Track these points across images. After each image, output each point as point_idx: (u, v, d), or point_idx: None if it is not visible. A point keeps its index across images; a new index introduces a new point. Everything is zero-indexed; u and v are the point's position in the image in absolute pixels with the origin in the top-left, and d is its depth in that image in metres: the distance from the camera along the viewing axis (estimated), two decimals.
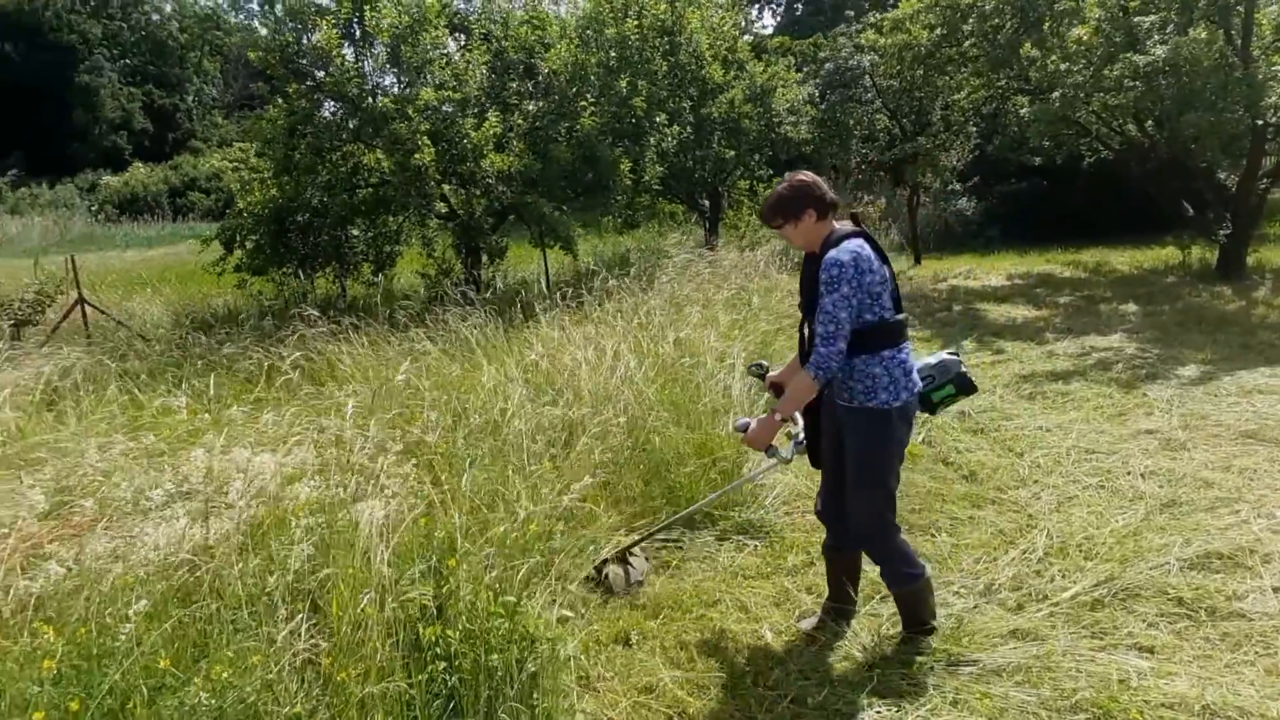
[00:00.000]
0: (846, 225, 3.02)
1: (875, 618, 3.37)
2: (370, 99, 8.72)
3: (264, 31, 10.53)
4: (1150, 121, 10.44)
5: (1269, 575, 3.51)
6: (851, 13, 14.56)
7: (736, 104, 11.63)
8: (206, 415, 5.04)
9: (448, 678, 2.71)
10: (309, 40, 8.81)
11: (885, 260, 3.02)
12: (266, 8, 9.46)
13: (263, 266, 10.64)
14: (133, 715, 2.33)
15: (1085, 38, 9.29)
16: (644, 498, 4.39)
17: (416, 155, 8.08)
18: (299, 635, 2.61)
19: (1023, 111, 10.82)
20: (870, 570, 3.51)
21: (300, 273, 10.78)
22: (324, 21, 8.47)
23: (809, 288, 3.05)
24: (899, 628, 3.20)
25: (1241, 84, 8.68)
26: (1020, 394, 6.41)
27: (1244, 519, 4.02)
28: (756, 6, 34.58)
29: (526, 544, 3.23)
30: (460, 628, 2.76)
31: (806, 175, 3.03)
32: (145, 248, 26.94)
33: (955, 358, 3.26)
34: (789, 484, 4.71)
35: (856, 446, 3.03)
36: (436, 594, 2.88)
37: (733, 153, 11.74)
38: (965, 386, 3.25)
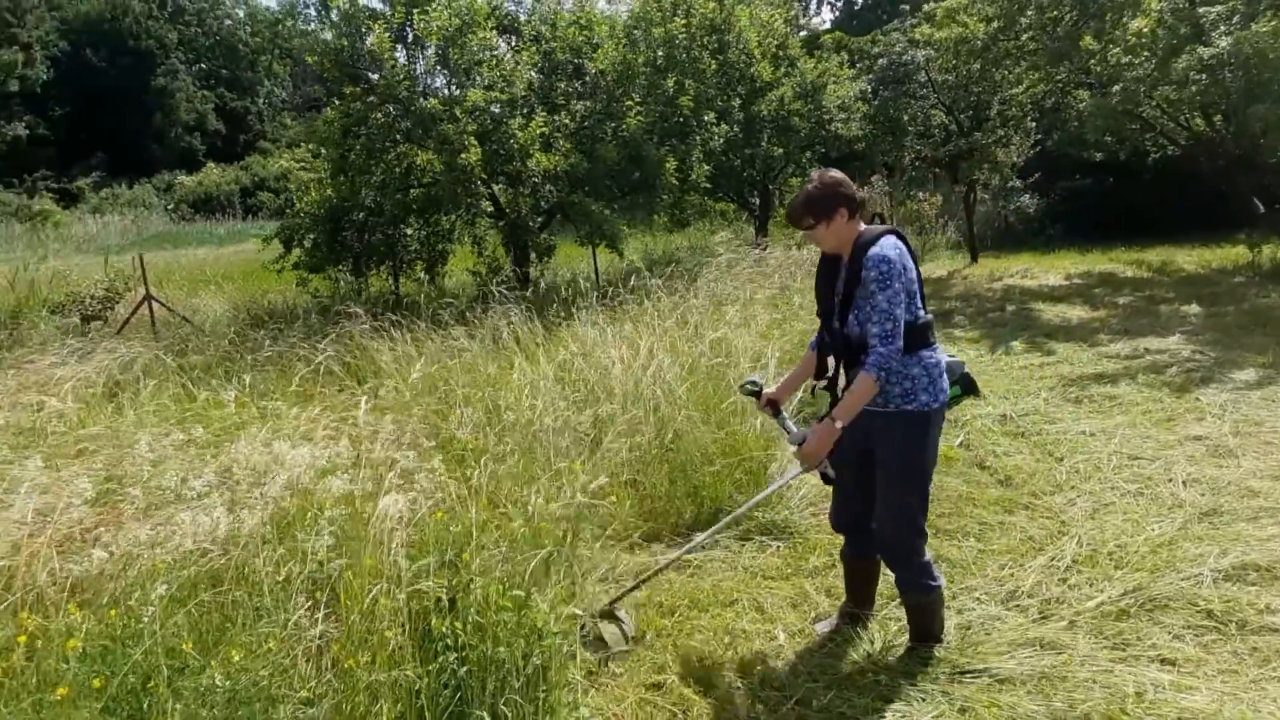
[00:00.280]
0: (880, 225, 2.98)
1: (890, 623, 3.34)
2: (420, 101, 8.91)
3: (328, 35, 10.81)
4: (1218, 116, 10.04)
5: None
6: (907, 6, 14.27)
7: (786, 101, 11.55)
8: (253, 408, 5.23)
9: (457, 669, 2.79)
10: (363, 44, 9.04)
11: (915, 258, 2.98)
12: (323, 13, 9.72)
13: (319, 264, 10.94)
14: (153, 694, 2.45)
15: (1146, 30, 8.97)
16: (668, 496, 4.42)
17: (463, 155, 8.24)
18: (314, 622, 2.72)
19: (1081, 106, 10.50)
20: (888, 574, 3.49)
21: (355, 271, 11.07)
22: (376, 26, 8.69)
23: (829, 290, 3.02)
24: (907, 635, 3.17)
25: None
26: (1066, 397, 6.25)
27: None
28: (815, 0, 34.19)
29: (539, 539, 3.29)
30: (470, 620, 2.84)
31: (836, 173, 2.95)
32: (217, 245, 27.94)
33: (958, 360, 3.21)
34: (816, 484, 4.68)
35: (894, 453, 2.92)
36: (450, 587, 2.96)
37: (781, 151, 11.66)
38: (970, 388, 3.20)
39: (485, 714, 2.64)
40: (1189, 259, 12.11)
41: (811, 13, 32.26)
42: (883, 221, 3.05)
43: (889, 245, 2.84)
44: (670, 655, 3.24)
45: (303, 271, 11.06)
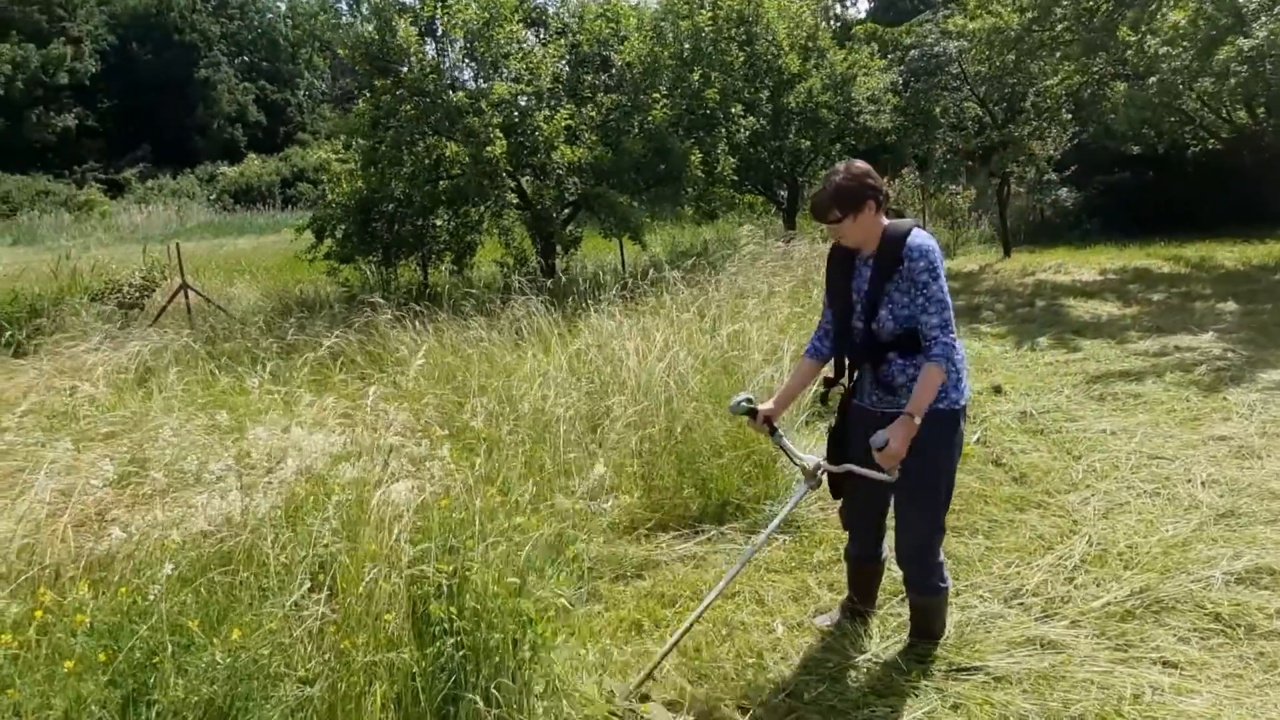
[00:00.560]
0: (905, 219, 2.92)
1: (891, 619, 3.33)
2: (446, 94, 8.99)
3: (367, 27, 10.90)
4: (1261, 109, 9.78)
5: None
6: None
7: (814, 94, 11.45)
8: (276, 395, 5.34)
9: (454, 653, 2.84)
10: (393, 38, 9.14)
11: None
12: (355, 6, 9.84)
13: (349, 255, 11.09)
14: (158, 669, 2.53)
15: (1183, 24, 8.75)
16: (676, 488, 4.44)
17: (488, 148, 8.30)
18: (316, 603, 2.78)
19: (1116, 98, 10.28)
20: (892, 571, 3.48)
21: (384, 261, 11.21)
22: (403, 20, 8.78)
23: (846, 288, 2.90)
24: (907, 632, 3.16)
25: None
26: (1089, 394, 6.15)
27: None
28: None
29: (538, 527, 3.33)
30: (466, 605, 2.88)
31: (863, 164, 2.83)
32: (256, 236, 28.42)
33: None
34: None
35: (922, 453, 2.75)
36: (449, 572, 3.01)
37: (809, 143, 11.57)
38: None
39: (478, 697, 2.68)
40: (1229, 255, 11.81)
41: (849, 2, 31.88)
42: (899, 216, 2.99)
43: (926, 235, 2.79)
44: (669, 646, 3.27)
45: (333, 262, 11.23)
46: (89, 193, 37.48)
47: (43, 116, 40.04)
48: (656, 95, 9.29)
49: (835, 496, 3.13)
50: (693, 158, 9.16)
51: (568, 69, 9.88)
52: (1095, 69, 10.92)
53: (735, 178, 10.87)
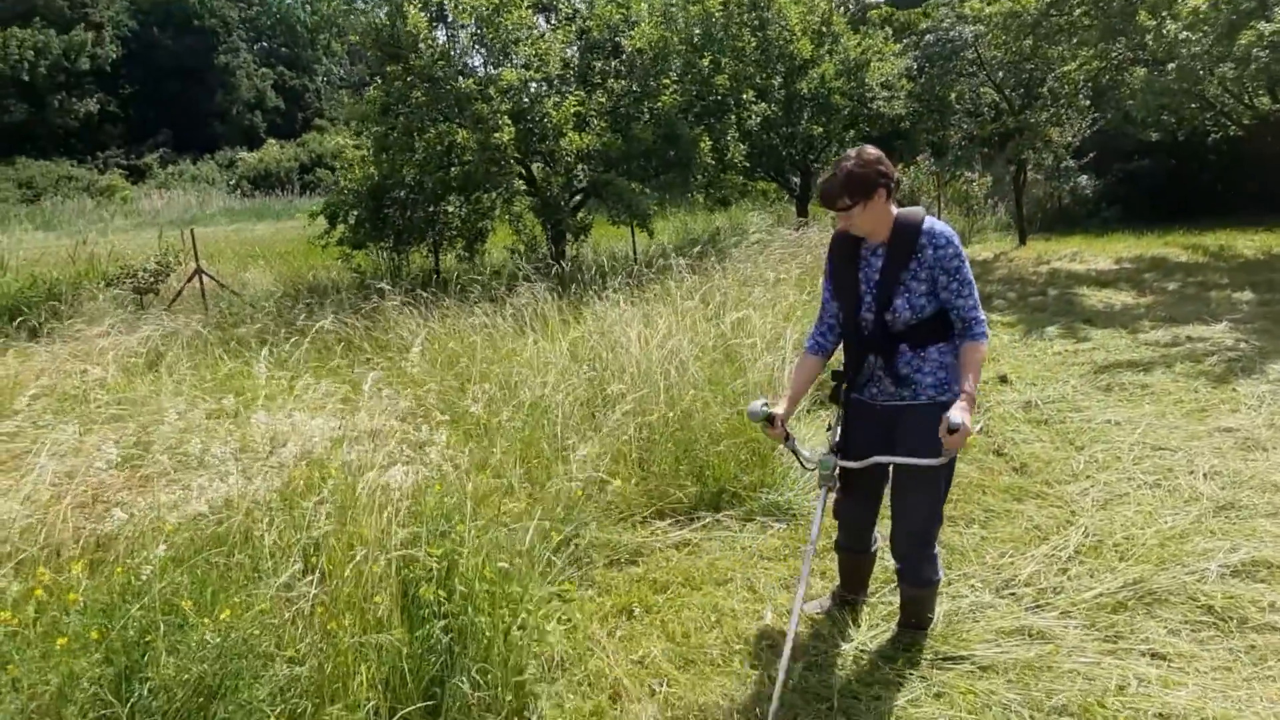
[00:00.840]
0: (915, 207, 2.88)
1: (881, 607, 3.34)
2: (455, 81, 8.99)
3: (378, 13, 10.87)
4: None
5: None
6: None
7: (827, 79, 11.35)
8: (279, 380, 5.40)
9: (443, 636, 2.87)
10: (403, 24, 9.14)
11: None
12: None
13: (361, 241, 11.14)
14: (151, 648, 2.58)
15: (1203, 8, 8.59)
16: (672, 475, 4.45)
17: (496, 134, 8.30)
18: (309, 584, 2.82)
19: (1134, 84, 10.12)
20: (884, 559, 3.49)
21: (396, 247, 11.25)
22: (412, 6, 8.78)
23: (854, 278, 2.83)
24: (895, 621, 3.17)
25: None
26: (1096, 385, 6.10)
27: None
28: None
29: (527, 513, 3.36)
30: (456, 589, 2.92)
31: (875, 150, 2.74)
32: (275, 221, 28.61)
33: None
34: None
35: (930, 442, 2.65)
36: (440, 556, 3.04)
37: (821, 129, 11.49)
38: None
39: (464, 681, 2.72)
40: (1250, 244, 11.63)
41: None
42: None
43: (939, 221, 2.77)
44: (658, 632, 3.29)
45: (346, 248, 11.28)
46: (111, 178, 37.85)
47: (65, 102, 40.40)
48: (666, 81, 9.24)
49: (846, 492, 3.05)
50: (702, 144, 9.11)
51: (578, 55, 9.84)
52: (1114, 54, 10.75)
53: (747, 165, 10.80)
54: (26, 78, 38.37)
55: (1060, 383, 6.19)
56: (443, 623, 2.87)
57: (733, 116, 9.86)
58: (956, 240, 2.74)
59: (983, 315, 2.75)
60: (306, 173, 39.68)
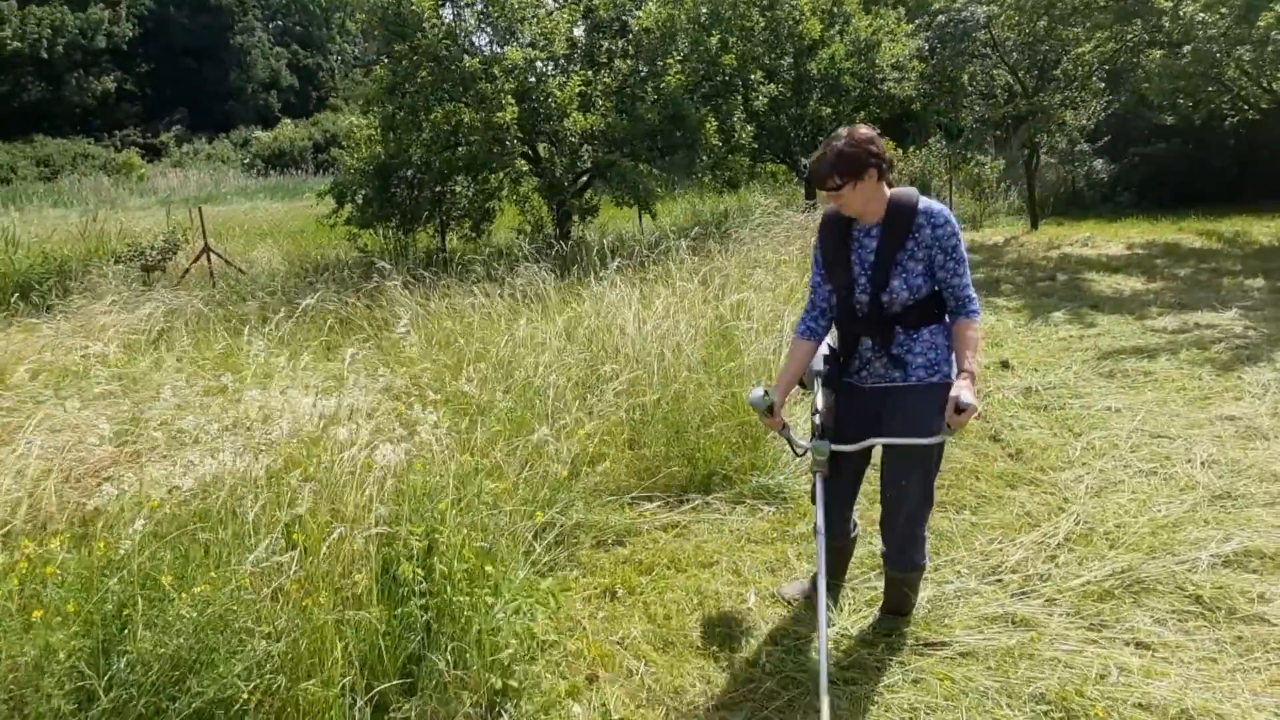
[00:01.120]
0: (909, 186, 2.86)
1: (865, 590, 3.32)
2: (460, 60, 8.93)
3: None
4: None
5: None
6: None
7: (837, 60, 11.21)
8: (277, 357, 5.41)
9: (422, 615, 2.88)
10: (408, 3, 9.09)
11: None
12: None
13: (369, 220, 11.14)
14: (129, 621, 2.60)
15: None
16: (663, 457, 4.44)
17: (499, 114, 8.25)
18: (291, 560, 2.82)
19: (1150, 66, 9.94)
20: (870, 544, 3.47)
21: (402, 227, 11.24)
22: None
23: (846, 259, 2.79)
24: (877, 607, 3.15)
25: None
26: (1098, 371, 6.02)
27: None
28: None
29: (510, 493, 3.35)
30: (434, 568, 2.92)
31: (867, 130, 2.72)
32: (289, 200, 28.67)
33: None
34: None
35: (920, 424, 2.69)
36: (420, 534, 3.04)
37: (830, 111, 11.36)
38: None
39: (440, 660, 2.72)
40: (1266, 230, 11.45)
41: None
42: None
43: (933, 200, 2.74)
44: (640, 613, 3.29)
45: (353, 227, 11.28)
46: (127, 156, 38.05)
47: (82, 80, 40.58)
48: (671, 61, 9.15)
49: (834, 476, 2.97)
50: (708, 125, 9.03)
51: (584, 34, 9.76)
52: (1130, 36, 10.55)
53: (754, 146, 10.70)
54: (45, 55, 38.55)
55: (1062, 369, 6.13)
56: (421, 601, 2.88)
57: (739, 97, 9.75)
58: (954, 219, 2.71)
59: (975, 294, 2.73)
60: (321, 152, 39.72)
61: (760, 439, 4.52)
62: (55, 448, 3.73)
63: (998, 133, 13.00)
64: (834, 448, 2.83)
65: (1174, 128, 13.30)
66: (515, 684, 2.78)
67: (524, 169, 9.42)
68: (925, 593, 3.24)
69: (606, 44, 9.93)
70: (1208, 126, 12.52)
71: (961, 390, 2.54)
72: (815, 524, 2.82)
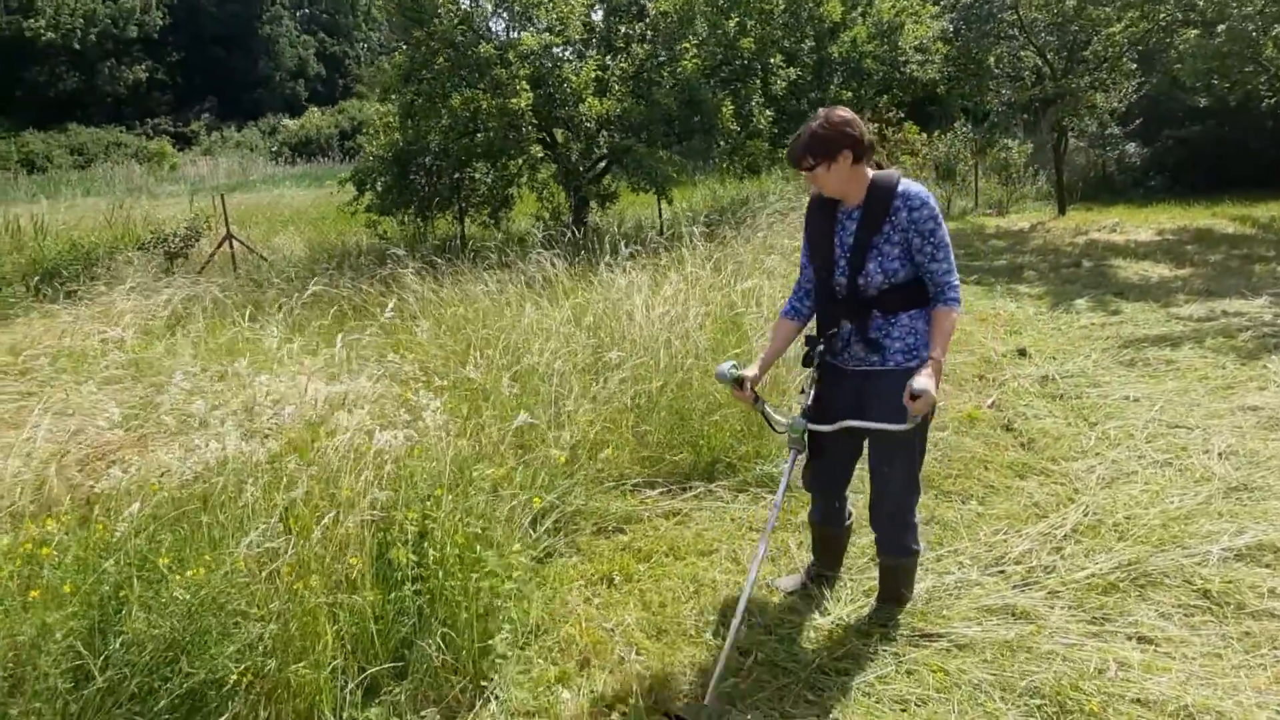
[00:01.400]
0: (894, 170, 2.79)
1: (864, 580, 3.28)
2: (475, 46, 8.91)
3: None
4: None
5: None
6: None
7: (859, 43, 11.03)
8: (293, 344, 5.45)
9: (416, 599, 2.89)
10: None
11: None
12: None
13: (388, 207, 11.18)
14: (125, 602, 2.63)
15: None
16: (667, 444, 4.41)
17: (513, 100, 8.22)
18: (283, 544, 2.84)
19: (1182, 46, 9.67)
20: (861, 534, 3.42)
21: (420, 214, 11.27)
22: None
23: (829, 241, 2.77)
24: (874, 596, 3.11)
25: None
26: (1119, 359, 5.90)
27: None
28: None
29: (507, 479, 3.35)
30: (427, 554, 2.93)
31: (845, 112, 2.71)
32: (315, 187, 28.89)
33: None
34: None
35: (900, 410, 2.62)
36: (414, 519, 3.05)
37: (851, 94, 11.19)
38: None
39: (431, 644, 2.73)
40: None
41: None
42: (881, 168, 2.84)
43: (916, 184, 2.70)
44: (635, 600, 3.28)
45: (374, 214, 11.33)
46: (159, 144, 38.55)
47: (114, 69, 41.11)
48: (688, 45, 9.06)
49: (814, 455, 2.99)
50: (725, 110, 8.94)
51: (602, 18, 9.69)
52: (1161, 15, 10.27)
53: (774, 131, 10.59)
54: (77, 46, 39.09)
55: (1082, 357, 6.01)
56: (415, 586, 2.89)
57: (758, 81, 9.63)
58: (932, 202, 2.66)
59: (956, 281, 2.68)
60: (347, 139, 39.91)
61: (764, 427, 4.47)
62: (65, 431, 3.78)
63: (1025, 116, 12.73)
64: (811, 427, 2.84)
65: (1209, 109, 12.96)
66: (504, 669, 2.78)
67: (540, 155, 9.38)
68: (924, 583, 3.20)
69: (624, 28, 9.85)
70: (1244, 108, 12.17)
71: (917, 377, 2.55)
72: (775, 499, 2.88)
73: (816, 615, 3.07)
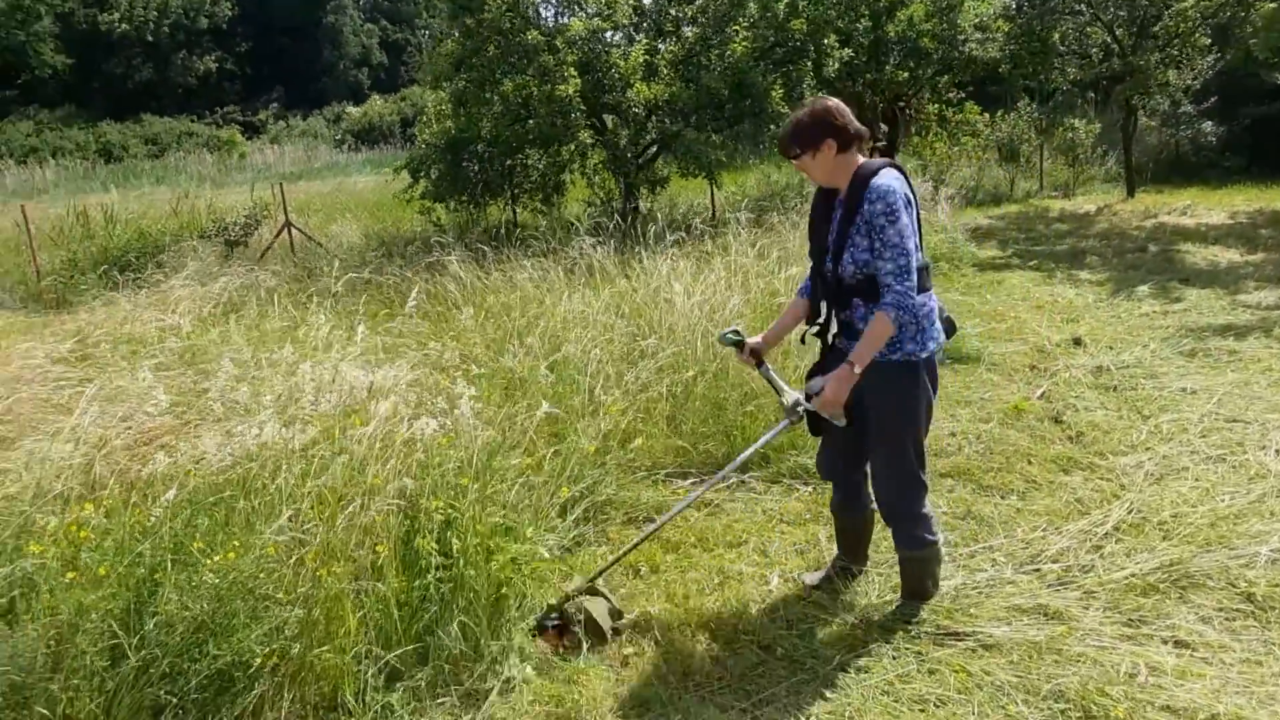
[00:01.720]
0: (880, 159, 2.80)
1: (892, 577, 3.22)
2: (523, 33, 8.93)
3: None
4: None
5: None
6: None
7: (916, 22, 10.73)
8: (340, 330, 5.57)
9: (439, 586, 2.94)
10: None
11: (915, 196, 2.78)
12: None
13: (442, 194, 11.31)
14: (160, 584, 2.73)
15: None
16: (702, 435, 4.39)
17: (560, 87, 8.23)
18: (310, 531, 2.91)
19: (1258, 20, 9.17)
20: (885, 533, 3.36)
21: (473, 201, 11.38)
22: None
23: (824, 228, 2.85)
24: (899, 593, 3.05)
25: None
26: (1178, 349, 5.67)
27: None
28: None
29: (535, 468, 3.37)
30: (452, 542, 2.97)
31: (830, 102, 2.78)
32: (377, 174, 29.41)
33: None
34: None
35: (880, 403, 2.78)
36: (440, 509, 3.09)
37: (907, 75, 10.90)
38: (949, 327, 2.96)
39: (452, 630, 2.77)
40: None
41: None
42: (884, 155, 2.84)
43: (891, 177, 2.68)
44: (659, 591, 3.28)
45: (427, 201, 11.48)
46: (228, 133, 39.69)
47: (186, 60, 42.36)
48: (738, 27, 8.93)
49: (814, 433, 3.08)
50: (774, 93, 8.80)
51: (650, 1, 9.61)
52: None
53: None
54: (150, 38, 40.38)
55: (1139, 346, 5.79)
56: (439, 574, 2.93)
57: (809, 63, 9.45)
58: (891, 198, 2.61)
59: (901, 285, 2.62)
60: (409, 126, 40.48)
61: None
62: (114, 416, 3.92)
63: (1092, 95, 12.26)
64: (802, 402, 2.91)
65: None
66: (523, 657, 2.81)
67: (589, 142, 9.37)
68: (953, 580, 3.13)
69: (674, 10, 9.76)
70: None
71: (816, 380, 2.79)
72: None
73: (840, 611, 3.03)
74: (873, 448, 2.89)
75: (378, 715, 2.63)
